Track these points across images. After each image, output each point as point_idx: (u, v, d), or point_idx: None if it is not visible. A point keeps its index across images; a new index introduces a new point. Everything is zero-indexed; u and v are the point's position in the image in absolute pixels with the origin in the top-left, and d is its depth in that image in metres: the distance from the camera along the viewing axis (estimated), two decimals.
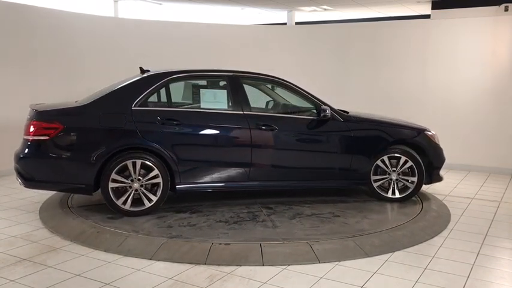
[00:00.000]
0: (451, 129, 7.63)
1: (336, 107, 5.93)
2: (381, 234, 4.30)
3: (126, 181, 4.66)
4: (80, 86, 7.63)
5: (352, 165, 5.27)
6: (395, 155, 5.30)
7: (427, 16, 8.31)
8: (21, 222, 4.76)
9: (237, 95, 5.12)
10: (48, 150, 4.64)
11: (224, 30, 9.14)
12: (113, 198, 4.64)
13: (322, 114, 5.14)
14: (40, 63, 7.25)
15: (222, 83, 5.31)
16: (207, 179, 4.96)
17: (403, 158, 5.28)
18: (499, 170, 7.46)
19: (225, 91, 5.18)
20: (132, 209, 4.69)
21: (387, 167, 5.31)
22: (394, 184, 5.34)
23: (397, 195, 5.34)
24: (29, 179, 4.75)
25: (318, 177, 5.32)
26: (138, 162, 4.66)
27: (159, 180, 4.72)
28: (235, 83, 5.15)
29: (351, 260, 3.85)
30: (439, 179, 5.56)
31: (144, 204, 4.71)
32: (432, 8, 8.00)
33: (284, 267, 3.70)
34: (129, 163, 4.65)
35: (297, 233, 4.26)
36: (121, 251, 3.95)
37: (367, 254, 3.95)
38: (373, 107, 8.12)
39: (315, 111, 5.29)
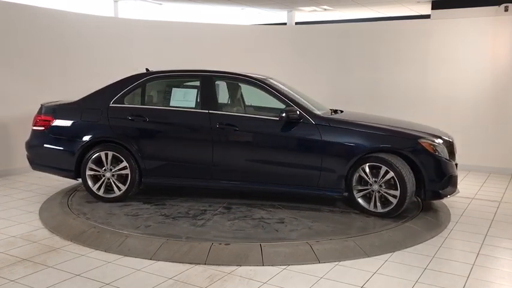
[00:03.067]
0: (451, 129, 7.57)
1: (335, 107, 5.96)
2: (381, 234, 4.30)
3: (100, 170, 5.19)
4: (79, 86, 7.61)
5: (322, 172, 4.85)
6: (375, 163, 4.72)
7: (427, 16, 8.31)
8: (21, 222, 4.76)
9: (205, 94, 5.21)
10: (44, 138, 5.43)
11: (224, 30, 9.14)
12: (89, 184, 5.23)
13: (284, 115, 4.86)
14: (39, 63, 7.25)
15: (195, 83, 5.40)
16: (170, 174, 5.21)
17: (384, 168, 4.67)
18: (499, 170, 7.46)
19: (195, 90, 5.30)
20: (104, 195, 5.23)
21: (368, 177, 4.75)
22: (375, 196, 4.75)
23: (379, 209, 4.73)
24: (32, 162, 5.58)
25: (283, 182, 4.99)
26: (110, 154, 5.18)
27: (128, 171, 5.14)
28: (206, 82, 5.25)
29: (351, 260, 3.85)
30: (438, 195, 4.85)
31: (114, 192, 5.19)
32: (432, 8, 7.99)
33: (284, 267, 3.70)
34: (103, 154, 5.19)
35: (208, 234, 4.23)
36: (121, 251, 3.95)
37: (367, 254, 3.95)
38: (373, 107, 8.13)
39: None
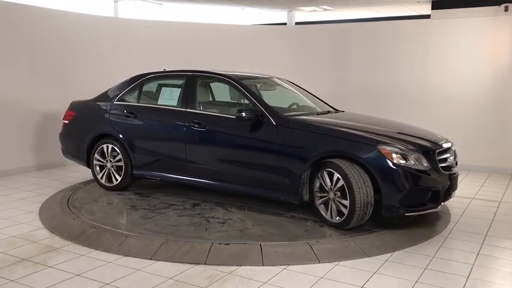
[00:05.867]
0: (451, 129, 7.62)
1: (335, 107, 5.96)
2: (381, 234, 4.30)
3: (103, 161, 5.75)
4: (78, 86, 7.63)
5: (280, 174, 4.65)
6: (331, 169, 4.34)
7: (427, 16, 8.30)
8: (21, 222, 4.75)
9: (187, 93, 5.38)
10: (69, 130, 6.14)
11: (224, 30, 9.14)
12: (96, 173, 5.83)
13: (244, 114, 4.73)
14: (39, 63, 7.24)
15: (182, 82, 5.57)
16: (154, 168, 5.52)
17: (336, 175, 4.29)
18: (499, 170, 7.45)
19: (179, 89, 5.51)
20: (106, 183, 5.77)
21: (325, 183, 4.42)
22: (331, 205, 4.40)
23: (334, 219, 4.37)
24: (63, 151, 6.32)
25: (245, 183, 4.91)
26: (110, 146, 5.68)
27: (122, 163, 5.60)
28: (190, 82, 5.42)
29: (351, 260, 3.85)
30: (396, 211, 4.22)
31: (113, 182, 5.69)
32: (432, 8, 7.99)
33: (284, 267, 3.70)
34: (105, 147, 5.73)
35: (141, 226, 4.46)
36: (121, 251, 3.96)
37: (367, 254, 3.95)
38: (373, 107, 8.13)
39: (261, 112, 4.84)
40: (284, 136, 4.65)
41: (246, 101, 5.19)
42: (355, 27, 8.83)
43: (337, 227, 4.37)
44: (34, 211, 5.10)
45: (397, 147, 4.28)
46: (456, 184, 4.68)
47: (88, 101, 6.12)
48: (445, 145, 4.70)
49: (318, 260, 3.81)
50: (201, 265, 3.72)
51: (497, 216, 5.16)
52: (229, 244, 3.99)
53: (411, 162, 4.23)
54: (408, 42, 8.13)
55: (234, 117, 4.90)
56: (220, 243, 3.98)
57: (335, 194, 4.34)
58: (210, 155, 5.13)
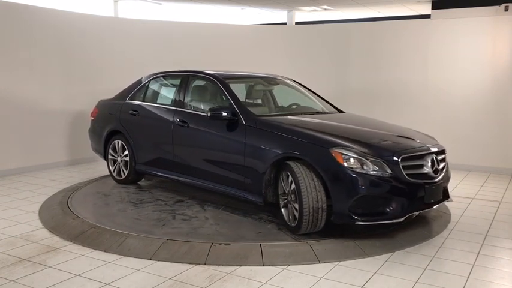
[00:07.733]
0: (451, 129, 7.64)
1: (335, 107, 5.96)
2: (381, 235, 4.29)
3: (115, 156, 6.11)
4: (78, 86, 7.63)
5: (245, 174, 4.60)
6: (287, 171, 4.21)
7: (427, 16, 8.30)
8: (21, 222, 4.75)
9: (178, 92, 5.56)
10: (94, 126, 6.56)
11: (224, 30, 9.15)
12: (109, 166, 6.21)
13: (223, 114, 4.69)
14: (39, 63, 7.24)
15: (178, 82, 5.70)
16: (150, 164, 5.73)
17: (290, 178, 4.17)
18: (499, 170, 7.45)
19: (175, 88, 5.69)
20: (116, 177, 6.15)
21: (284, 186, 4.32)
22: (289, 208, 4.27)
23: (291, 222, 4.22)
24: (91, 146, 6.72)
25: (218, 181, 4.91)
26: (119, 142, 6.03)
27: (128, 158, 5.94)
28: (183, 81, 5.59)
29: (351, 260, 3.85)
30: (347, 218, 3.95)
31: (121, 176, 6.05)
32: (432, 8, 7.99)
33: (284, 267, 3.70)
34: (116, 142, 6.09)
35: (111, 218, 4.69)
36: (121, 251, 3.96)
37: (367, 254, 3.95)
38: (373, 107, 8.13)
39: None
40: (251, 136, 4.58)
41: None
42: (355, 27, 8.83)
43: (292, 231, 4.23)
44: (34, 211, 5.10)
45: (352, 151, 4.00)
46: (435, 194, 4.26)
47: (109, 99, 6.45)
48: (421, 151, 4.30)
49: (318, 260, 3.80)
50: (201, 265, 3.72)
51: (498, 216, 5.16)
52: (229, 244, 3.99)
53: (368, 167, 3.94)
54: (408, 42, 8.13)
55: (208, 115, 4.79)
56: (221, 243, 3.98)
57: (290, 197, 4.20)
58: (192, 153, 5.23)
